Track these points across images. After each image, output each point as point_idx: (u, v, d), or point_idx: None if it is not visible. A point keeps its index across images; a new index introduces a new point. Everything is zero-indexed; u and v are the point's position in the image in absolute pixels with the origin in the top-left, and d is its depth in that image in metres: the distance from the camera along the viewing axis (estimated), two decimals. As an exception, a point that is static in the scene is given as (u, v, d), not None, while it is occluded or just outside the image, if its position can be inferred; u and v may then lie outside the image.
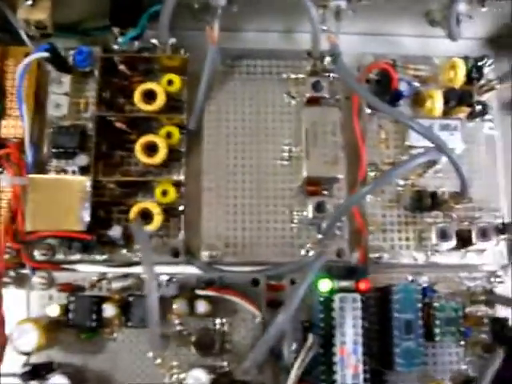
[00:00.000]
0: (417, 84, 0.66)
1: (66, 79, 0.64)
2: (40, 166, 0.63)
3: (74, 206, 0.58)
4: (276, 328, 0.51)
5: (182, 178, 0.63)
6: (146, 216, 0.60)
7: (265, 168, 0.65)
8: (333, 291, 0.56)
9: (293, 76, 0.67)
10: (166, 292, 0.56)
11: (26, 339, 0.53)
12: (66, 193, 0.59)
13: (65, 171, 0.62)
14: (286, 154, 0.65)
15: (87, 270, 0.61)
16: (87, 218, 0.58)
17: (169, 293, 0.57)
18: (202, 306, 0.56)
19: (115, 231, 0.59)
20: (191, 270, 0.62)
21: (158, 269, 0.57)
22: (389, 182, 0.62)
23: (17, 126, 0.63)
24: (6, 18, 0.62)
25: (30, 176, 0.60)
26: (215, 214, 0.63)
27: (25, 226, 0.58)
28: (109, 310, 0.56)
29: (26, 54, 0.61)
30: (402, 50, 0.71)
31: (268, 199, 0.64)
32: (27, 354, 0.55)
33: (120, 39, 0.62)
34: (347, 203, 0.59)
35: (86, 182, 0.59)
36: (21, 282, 0.60)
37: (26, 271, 0.60)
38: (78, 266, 0.62)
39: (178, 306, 0.56)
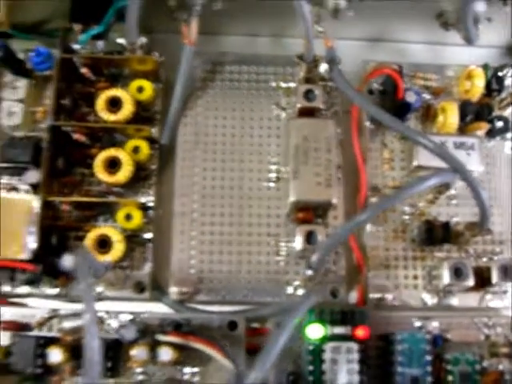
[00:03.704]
0: (427, 96, 0.62)
1: (22, 84, 0.60)
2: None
3: (18, 231, 0.53)
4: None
5: (150, 200, 0.58)
6: (105, 244, 0.55)
7: (248, 191, 0.59)
8: (325, 339, 0.51)
9: (283, 85, 0.62)
10: (124, 335, 0.50)
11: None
12: (9, 215, 0.54)
13: (16, 189, 0.56)
14: (273, 175, 0.60)
15: (38, 306, 0.55)
16: (33, 244, 0.53)
17: (127, 337, 0.50)
18: (165, 354, 0.50)
19: (66, 261, 0.52)
20: (163, 309, 0.57)
21: (120, 306, 0.55)
22: (390, 207, 0.57)
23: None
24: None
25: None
26: (188, 243, 0.58)
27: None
28: (54, 355, 0.50)
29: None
30: (410, 57, 0.67)
31: (251, 227, 0.58)
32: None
33: (80, 37, 0.57)
34: (339, 233, 0.53)
35: (33, 202, 0.54)
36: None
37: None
38: (29, 301, 0.56)
39: (136, 352, 0.50)
